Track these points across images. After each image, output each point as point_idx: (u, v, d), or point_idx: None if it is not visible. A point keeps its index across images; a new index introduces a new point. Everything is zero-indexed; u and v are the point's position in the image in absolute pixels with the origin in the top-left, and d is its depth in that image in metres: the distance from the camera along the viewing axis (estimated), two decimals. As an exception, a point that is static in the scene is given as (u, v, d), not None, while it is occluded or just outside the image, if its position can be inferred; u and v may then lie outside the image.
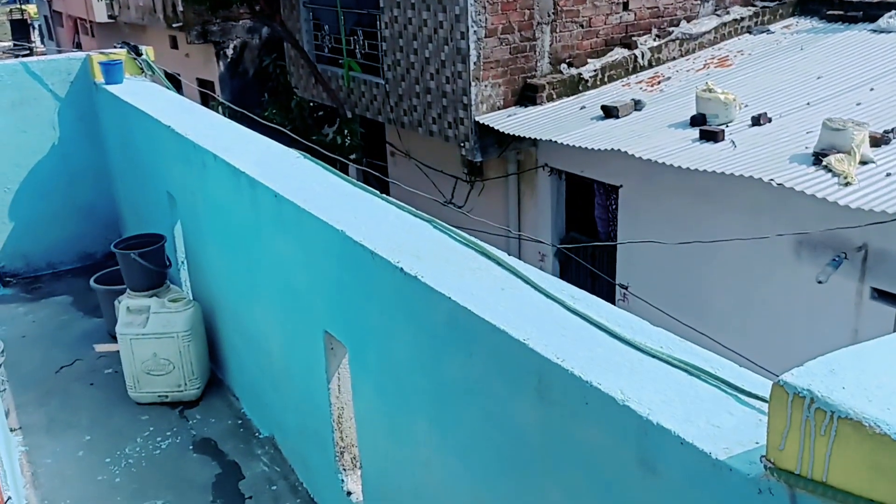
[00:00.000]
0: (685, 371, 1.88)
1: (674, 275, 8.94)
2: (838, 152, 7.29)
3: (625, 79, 10.45)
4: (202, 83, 17.19)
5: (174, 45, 18.04)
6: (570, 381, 1.91)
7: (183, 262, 5.59)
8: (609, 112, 9.30)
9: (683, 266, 8.82)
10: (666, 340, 2.02)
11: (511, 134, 9.33)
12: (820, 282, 7.28)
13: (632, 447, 1.77)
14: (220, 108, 11.57)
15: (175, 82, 7.91)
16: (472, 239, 2.71)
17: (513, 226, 10.28)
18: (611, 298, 9.02)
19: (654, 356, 1.94)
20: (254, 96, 16.01)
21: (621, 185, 9.24)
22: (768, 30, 11.36)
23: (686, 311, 8.49)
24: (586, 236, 10.03)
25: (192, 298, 5.24)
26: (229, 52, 16.75)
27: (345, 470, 3.58)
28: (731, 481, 1.54)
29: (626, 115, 9.26)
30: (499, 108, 9.85)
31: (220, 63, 16.85)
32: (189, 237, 5.27)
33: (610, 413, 1.80)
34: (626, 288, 8.37)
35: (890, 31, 10.08)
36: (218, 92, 16.63)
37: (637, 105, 9.44)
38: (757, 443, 1.58)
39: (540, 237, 10.00)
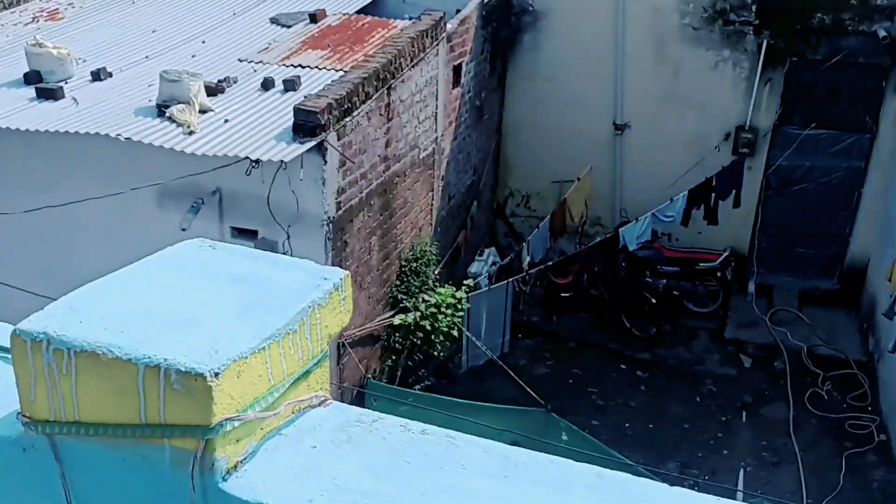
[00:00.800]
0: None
1: (40, 246, 8.30)
2: (179, 103, 7.53)
3: (-61, 34, 9.08)
4: None
5: None
6: None
7: None
8: (-78, 73, 7.97)
9: (47, 236, 8.24)
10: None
11: None
12: (183, 229, 7.53)
13: None
14: None
15: None
16: None
17: None
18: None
19: None
20: None
21: (-44, 157, 8.10)
22: (99, -18, 11.05)
23: (59, 282, 7.99)
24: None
25: None
26: None
27: None
28: (-4, 449, 1.42)
29: (-55, 76, 8.07)
30: None
31: None
32: None
33: None
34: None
35: (214, -13, 10.72)
36: None
37: (-42, 64, 8.29)
38: (20, 401, 1.47)
39: None
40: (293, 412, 1.44)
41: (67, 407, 1.32)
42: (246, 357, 1.29)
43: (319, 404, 1.49)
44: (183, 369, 1.24)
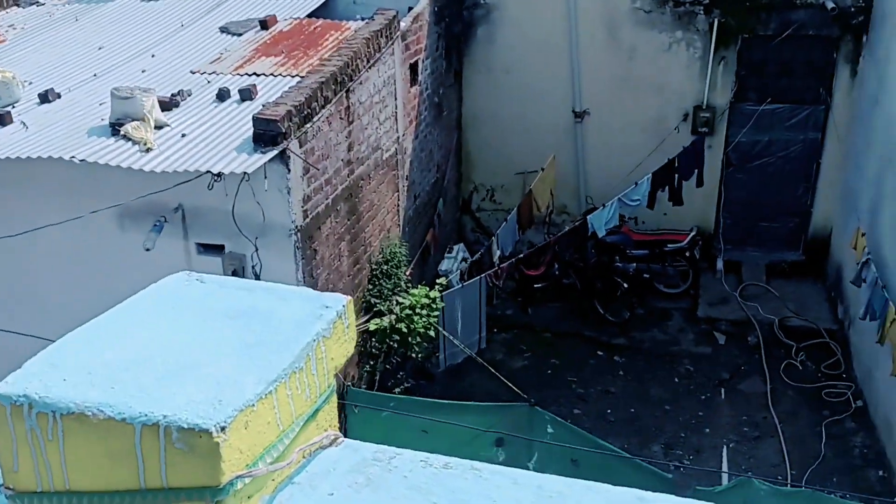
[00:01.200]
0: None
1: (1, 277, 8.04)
2: (133, 120, 7.31)
3: None
4: None
5: None
6: None
7: None
8: None
9: (5, 266, 7.96)
10: None
11: None
12: (147, 249, 7.32)
13: None
14: None
15: None
16: None
17: None
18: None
19: None
20: None
21: None
22: (38, 1, 10.72)
23: (22, 314, 7.72)
24: None
25: None
26: None
27: None
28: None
29: None
30: None
31: None
32: None
33: None
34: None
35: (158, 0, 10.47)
36: None
37: None
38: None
39: None
40: (304, 457, 1.33)
41: (56, 476, 1.19)
42: (253, 405, 1.18)
43: (330, 444, 1.38)
44: (185, 426, 1.12)
